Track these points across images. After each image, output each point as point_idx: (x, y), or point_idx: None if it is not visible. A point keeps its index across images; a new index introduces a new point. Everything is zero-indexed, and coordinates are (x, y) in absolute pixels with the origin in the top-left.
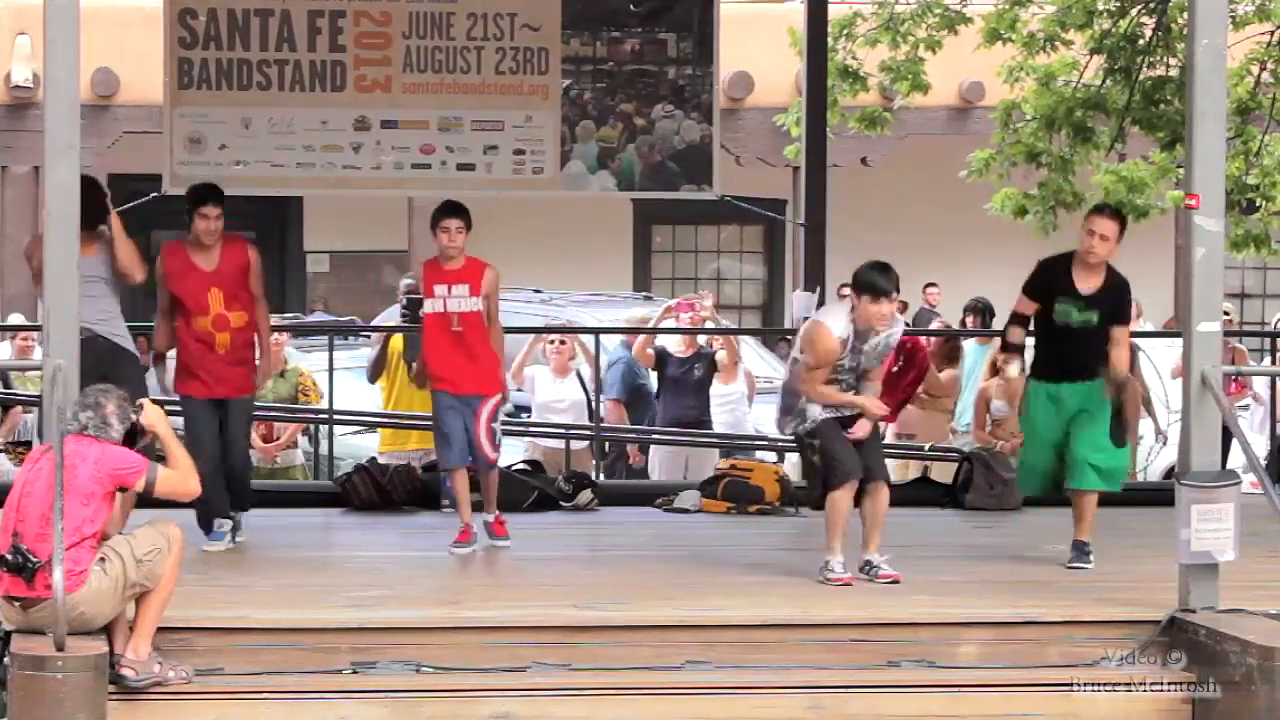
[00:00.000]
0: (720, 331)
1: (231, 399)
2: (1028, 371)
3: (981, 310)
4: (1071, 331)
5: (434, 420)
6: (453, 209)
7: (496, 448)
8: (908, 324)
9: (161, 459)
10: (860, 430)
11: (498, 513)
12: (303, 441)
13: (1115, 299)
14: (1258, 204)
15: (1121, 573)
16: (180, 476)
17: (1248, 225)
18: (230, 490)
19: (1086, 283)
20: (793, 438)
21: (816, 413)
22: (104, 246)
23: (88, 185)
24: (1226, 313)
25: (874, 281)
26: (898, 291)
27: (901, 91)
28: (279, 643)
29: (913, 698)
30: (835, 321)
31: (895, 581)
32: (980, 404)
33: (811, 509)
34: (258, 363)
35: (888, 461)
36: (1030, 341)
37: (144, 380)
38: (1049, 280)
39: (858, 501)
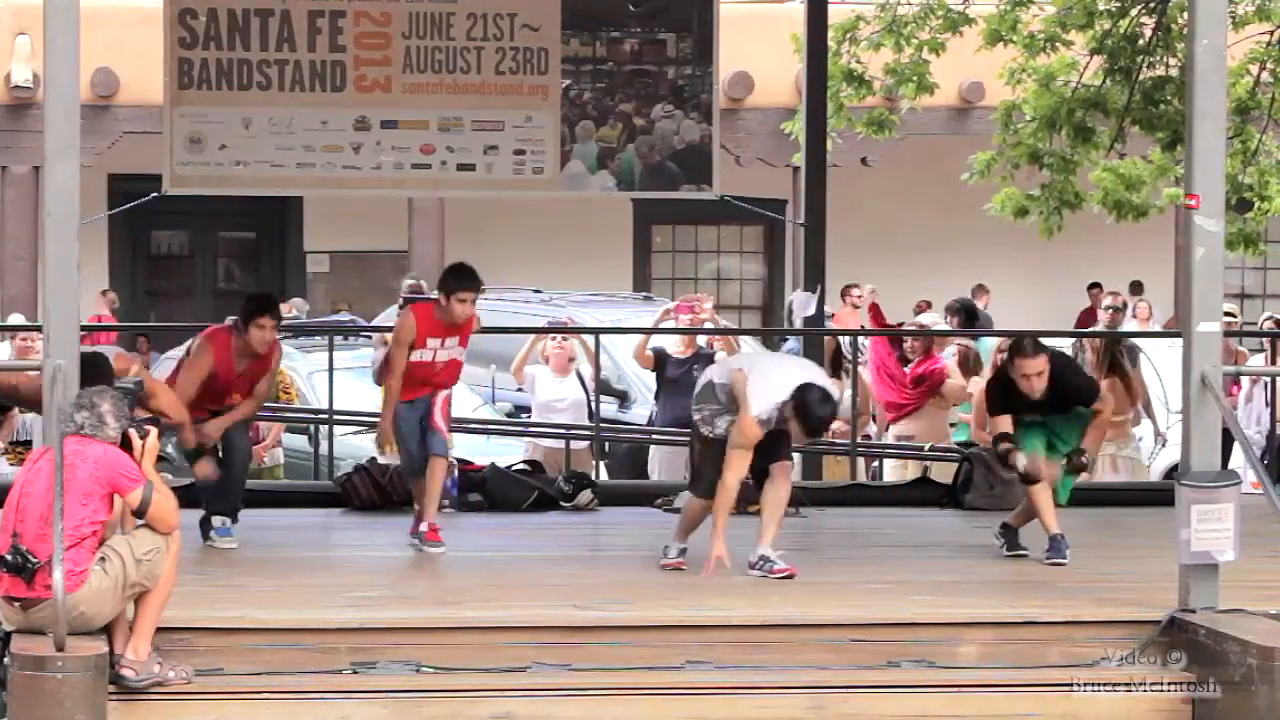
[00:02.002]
0: (720, 332)
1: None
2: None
3: (961, 310)
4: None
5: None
6: (471, 280)
7: (448, 434)
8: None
9: None
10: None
11: (434, 522)
12: (300, 441)
13: (1064, 384)
14: (1252, 203)
15: (1121, 573)
16: (172, 507)
17: (1241, 224)
18: (226, 492)
19: (1034, 392)
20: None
21: (721, 428)
22: None
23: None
24: (1232, 315)
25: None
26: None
27: (908, 94)
28: (279, 643)
29: (913, 698)
30: (759, 402)
31: (790, 576)
32: (980, 404)
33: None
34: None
35: (887, 462)
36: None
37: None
38: (1004, 396)
39: (760, 483)
